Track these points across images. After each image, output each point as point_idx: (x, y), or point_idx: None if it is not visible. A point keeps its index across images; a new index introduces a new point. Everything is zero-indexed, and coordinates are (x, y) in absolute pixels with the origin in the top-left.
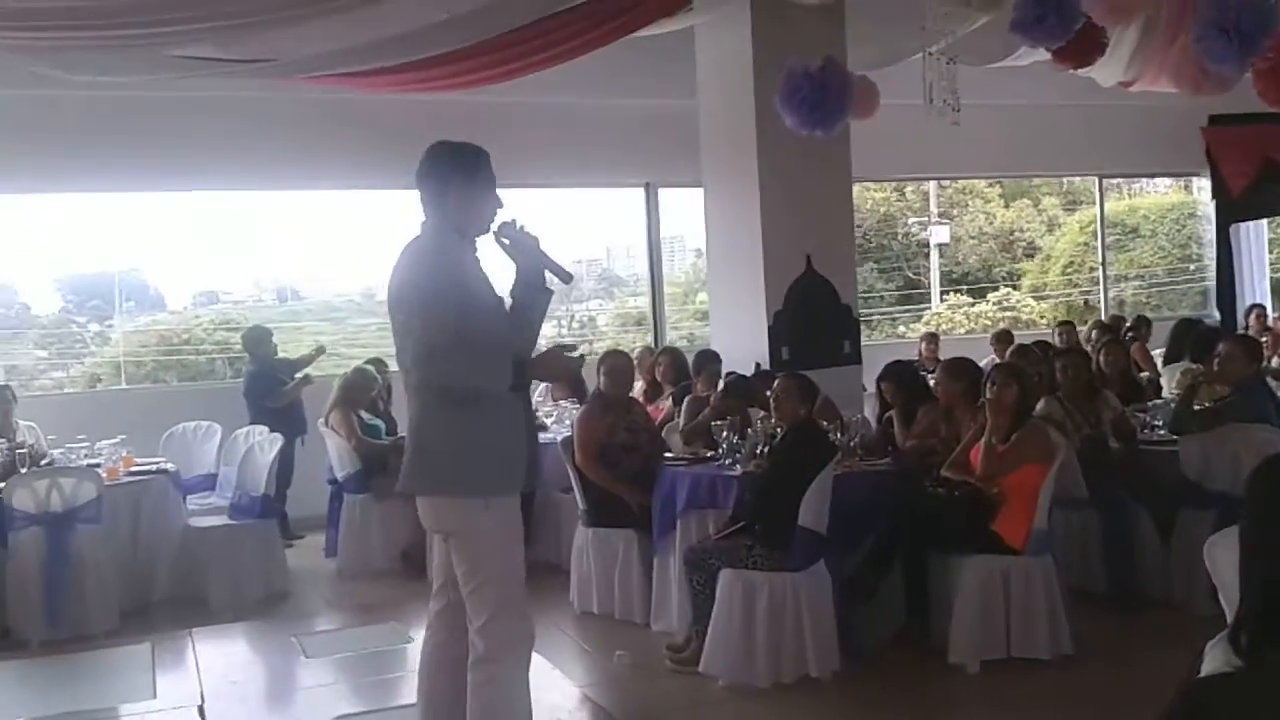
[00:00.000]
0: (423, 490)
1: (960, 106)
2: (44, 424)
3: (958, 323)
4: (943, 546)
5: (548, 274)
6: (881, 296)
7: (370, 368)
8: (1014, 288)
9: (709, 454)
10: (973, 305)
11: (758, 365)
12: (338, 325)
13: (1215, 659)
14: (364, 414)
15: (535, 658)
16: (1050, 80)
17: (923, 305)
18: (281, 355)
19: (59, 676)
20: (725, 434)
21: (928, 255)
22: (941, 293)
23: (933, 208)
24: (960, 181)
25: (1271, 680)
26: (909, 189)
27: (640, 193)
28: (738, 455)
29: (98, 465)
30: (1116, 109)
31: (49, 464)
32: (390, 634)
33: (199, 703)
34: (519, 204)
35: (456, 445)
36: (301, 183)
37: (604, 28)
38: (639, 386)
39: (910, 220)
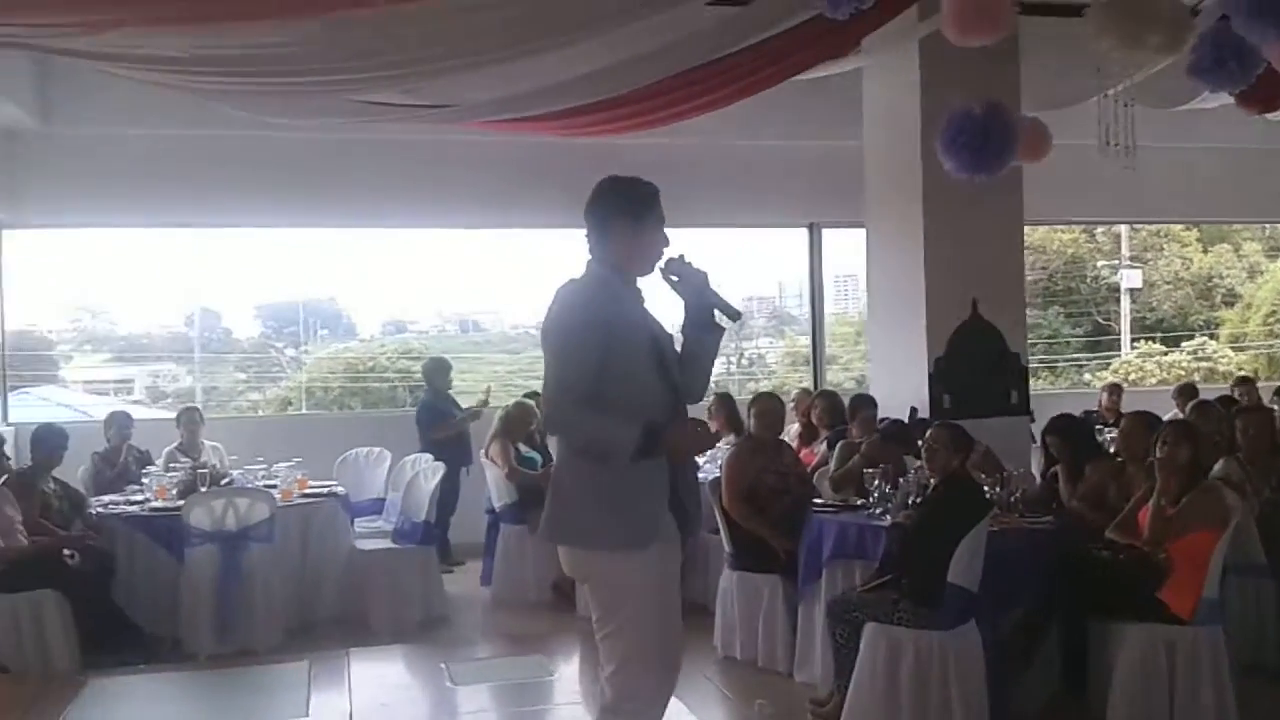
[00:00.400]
0: (555, 539)
1: (1135, 149)
2: (237, 444)
3: (1148, 372)
4: (1104, 612)
5: (716, 311)
6: (1068, 342)
7: (529, 401)
8: (1211, 336)
9: (859, 502)
10: (1165, 354)
11: (913, 411)
12: (515, 356)
13: None
14: (521, 446)
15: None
16: (1246, 123)
17: (1112, 353)
18: (458, 390)
19: (220, 689)
20: (877, 482)
21: (1118, 300)
22: (1132, 340)
23: (1124, 250)
24: (1155, 225)
25: None
26: (1099, 231)
27: (804, 233)
28: (888, 505)
29: (274, 486)
30: None
31: (228, 484)
32: (535, 667)
33: None
34: (689, 241)
35: (588, 497)
36: (485, 222)
37: (770, 69)
38: (794, 429)
39: (1100, 263)
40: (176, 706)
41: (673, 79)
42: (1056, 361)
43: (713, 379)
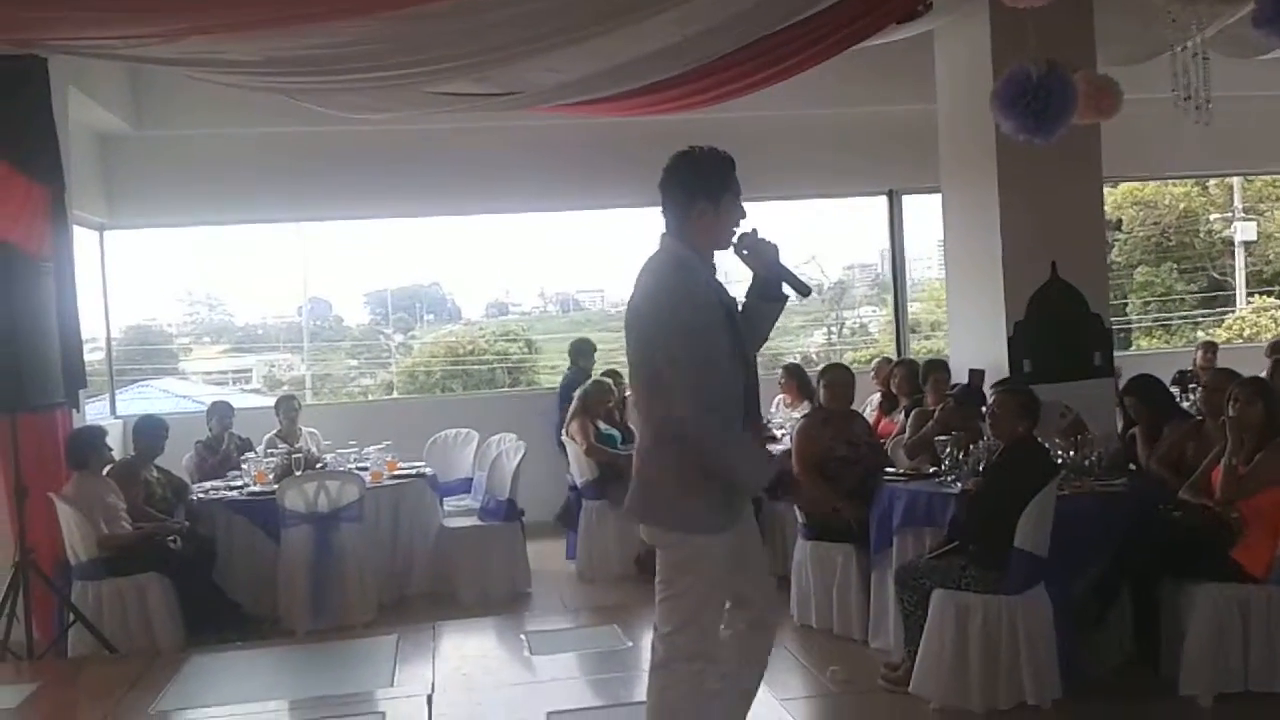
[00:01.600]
0: (637, 519)
1: (1210, 102)
2: (342, 429)
3: (1263, 327)
4: (1176, 574)
5: (785, 285)
6: (1182, 299)
7: (608, 380)
8: None
9: (932, 470)
10: None
11: (976, 374)
12: (615, 335)
13: None
14: (600, 424)
15: None
16: None
17: (1227, 308)
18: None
19: (311, 663)
20: (949, 449)
21: (1233, 254)
22: (1248, 294)
23: (1237, 203)
24: (1270, 175)
25: None
26: (1212, 183)
27: (883, 200)
28: (960, 471)
29: (365, 469)
30: None
31: (322, 468)
32: (611, 636)
33: (429, 692)
34: (767, 215)
35: (670, 483)
36: (583, 203)
37: (839, 35)
38: (875, 399)
39: (1213, 216)
40: (268, 679)
41: (741, 51)
42: (1171, 319)
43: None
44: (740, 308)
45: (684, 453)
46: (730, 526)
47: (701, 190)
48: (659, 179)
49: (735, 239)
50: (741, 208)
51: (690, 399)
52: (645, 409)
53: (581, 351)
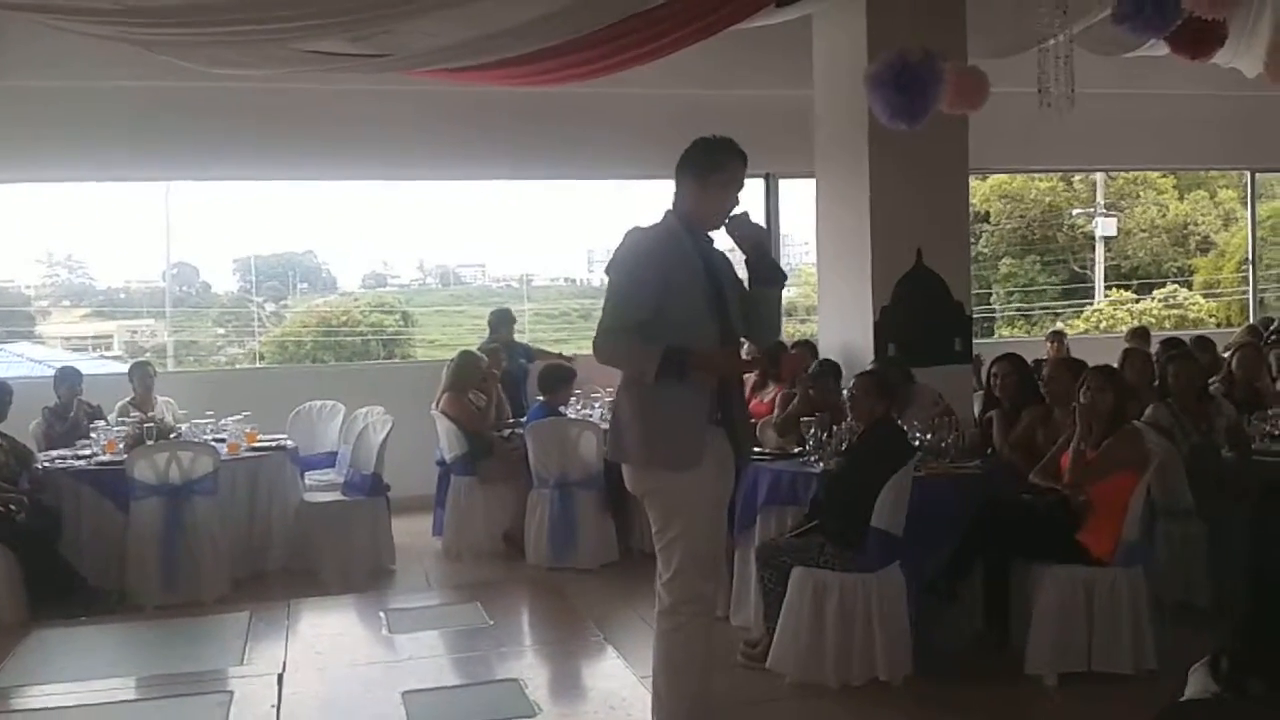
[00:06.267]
0: (614, 457)
1: (1073, 95)
2: (204, 399)
3: (1119, 319)
4: (1026, 555)
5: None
6: (1044, 290)
7: (477, 352)
8: (1186, 284)
9: (797, 450)
10: (1137, 302)
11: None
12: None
13: (1197, 684)
14: (472, 395)
15: (609, 646)
16: (1202, 71)
17: (1086, 300)
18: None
19: (159, 639)
20: (813, 430)
21: (1094, 248)
22: (1106, 287)
23: (1099, 198)
24: (1131, 172)
25: (1248, 710)
26: (1077, 179)
27: (760, 183)
28: (824, 451)
29: (222, 440)
30: (1272, 100)
31: (176, 438)
32: (473, 614)
33: (280, 671)
34: (646, 194)
35: (638, 422)
36: (469, 173)
37: (717, 14)
38: (748, 379)
39: (1076, 211)
40: (111, 654)
41: (619, 25)
42: (1033, 310)
43: None
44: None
45: (643, 392)
46: (700, 461)
47: (691, 171)
48: (551, 152)
49: (727, 221)
50: (735, 196)
51: (612, 325)
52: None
53: (502, 320)
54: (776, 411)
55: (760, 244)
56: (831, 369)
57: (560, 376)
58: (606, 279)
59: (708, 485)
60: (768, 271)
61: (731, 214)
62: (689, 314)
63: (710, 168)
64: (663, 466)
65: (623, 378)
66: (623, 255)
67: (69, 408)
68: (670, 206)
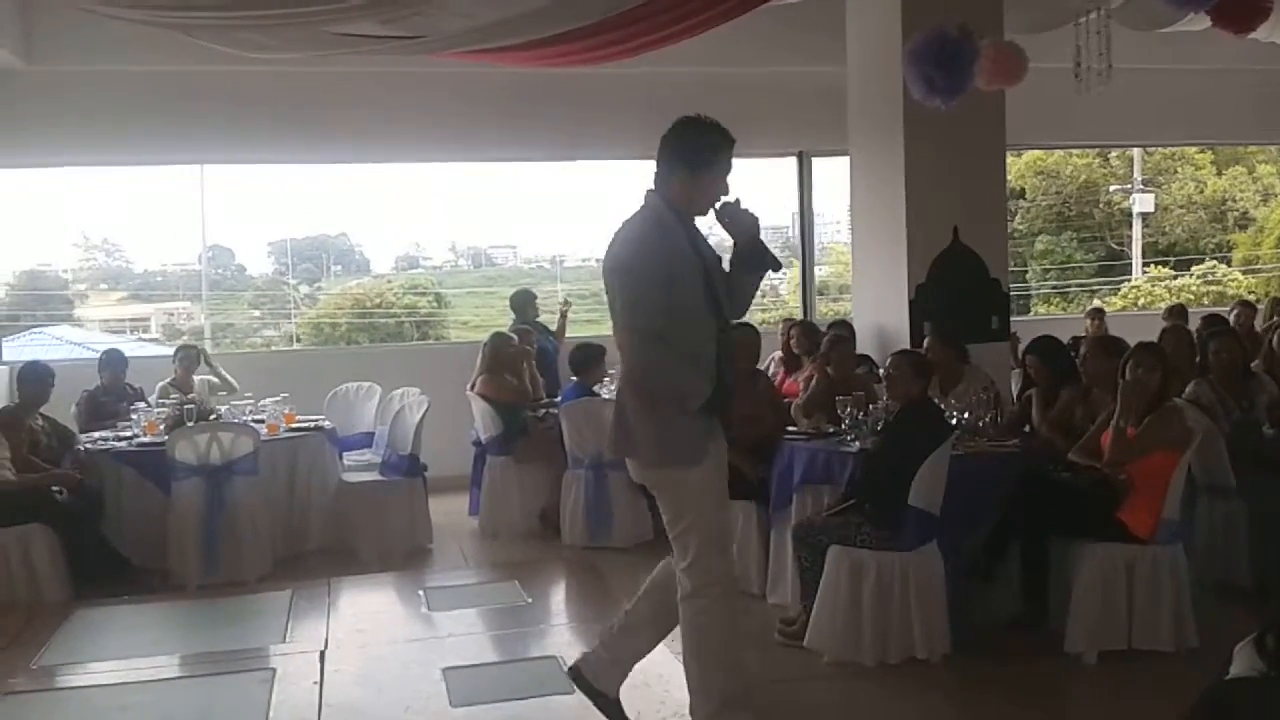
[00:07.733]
0: (620, 453)
1: (1109, 71)
2: (241, 381)
3: (1158, 296)
4: (1064, 533)
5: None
6: (1080, 267)
7: (509, 333)
8: (1224, 260)
9: (832, 429)
10: (1175, 279)
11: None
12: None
13: (1243, 662)
14: (509, 377)
15: None
16: (1239, 45)
17: (1123, 277)
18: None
19: (200, 618)
20: (849, 409)
21: (1131, 225)
22: (1144, 264)
23: (1136, 174)
24: (1169, 148)
25: None
26: (1114, 155)
27: (793, 161)
28: (860, 431)
29: (261, 421)
30: None
31: (215, 419)
32: (511, 592)
33: (322, 648)
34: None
35: (645, 420)
36: (500, 155)
37: (730, 1)
38: (776, 356)
39: (1113, 187)
40: (154, 633)
41: (652, 4)
42: (1069, 287)
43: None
44: (727, 270)
45: (652, 390)
46: (706, 457)
47: (680, 158)
48: (581, 134)
49: (718, 207)
50: (725, 184)
51: (634, 335)
52: (623, 359)
53: (527, 302)
54: (802, 391)
55: (752, 233)
56: (847, 332)
57: (591, 355)
58: (609, 280)
59: (714, 472)
60: (758, 260)
61: (722, 201)
62: (689, 307)
63: (701, 156)
64: (676, 464)
65: (625, 372)
66: (629, 256)
67: (111, 390)
68: (652, 187)
